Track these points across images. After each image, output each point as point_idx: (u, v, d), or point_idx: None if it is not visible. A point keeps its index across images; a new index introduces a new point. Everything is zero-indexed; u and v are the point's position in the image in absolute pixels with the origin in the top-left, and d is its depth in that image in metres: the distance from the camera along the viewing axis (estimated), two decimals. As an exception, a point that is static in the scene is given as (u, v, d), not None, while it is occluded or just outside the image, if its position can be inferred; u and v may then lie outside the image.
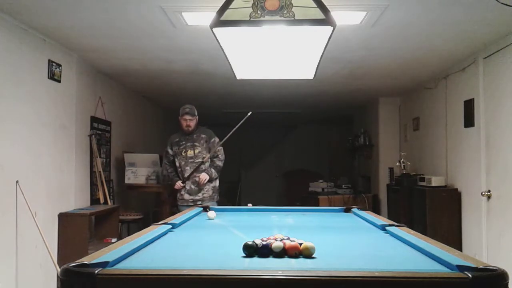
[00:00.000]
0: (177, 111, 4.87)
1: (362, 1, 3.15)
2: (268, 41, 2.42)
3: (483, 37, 4.03)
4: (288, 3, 2.07)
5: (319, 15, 2.07)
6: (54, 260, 3.93)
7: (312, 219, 3.21)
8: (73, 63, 4.55)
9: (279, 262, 1.66)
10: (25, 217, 3.64)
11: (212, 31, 2.20)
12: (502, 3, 3.01)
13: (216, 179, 4.81)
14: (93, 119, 5.15)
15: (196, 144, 4.72)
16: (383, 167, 7.14)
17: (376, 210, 6.96)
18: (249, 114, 4.51)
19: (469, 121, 4.69)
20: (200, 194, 4.73)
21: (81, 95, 4.79)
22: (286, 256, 1.73)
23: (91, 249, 4.05)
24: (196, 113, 4.71)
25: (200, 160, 4.67)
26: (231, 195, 10.37)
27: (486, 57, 4.35)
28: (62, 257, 4.16)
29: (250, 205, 4.12)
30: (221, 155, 4.76)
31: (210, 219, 3.17)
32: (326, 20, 2.07)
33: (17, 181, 3.58)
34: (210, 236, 2.48)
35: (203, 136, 4.75)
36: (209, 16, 2.41)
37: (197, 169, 4.64)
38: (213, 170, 4.66)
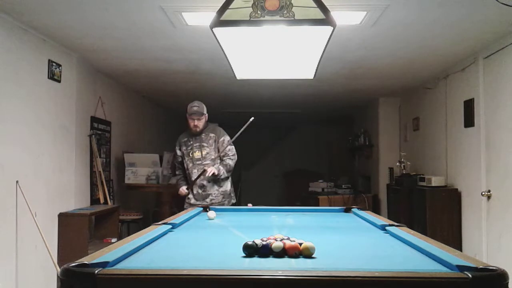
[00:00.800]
0: (177, 111, 4.86)
1: (362, 1, 3.15)
2: (268, 41, 2.42)
3: (483, 37, 4.03)
4: (288, 3, 2.07)
5: (319, 15, 2.07)
6: (54, 260, 3.93)
7: (312, 219, 3.21)
8: (73, 63, 4.55)
9: (279, 262, 1.66)
10: (25, 217, 3.64)
11: (212, 31, 2.20)
12: (502, 3, 3.01)
13: (225, 180, 4.36)
14: (93, 119, 5.15)
15: (204, 144, 4.29)
16: (383, 167, 7.14)
17: (376, 210, 6.96)
18: (251, 119, 4.18)
19: (469, 121, 4.69)
20: (208, 200, 4.28)
21: (81, 95, 4.79)
22: (286, 256, 1.73)
23: (91, 249, 4.05)
24: (205, 111, 4.28)
25: (208, 162, 4.25)
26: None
27: (486, 57, 4.35)
28: (62, 257, 4.16)
29: (250, 205, 4.12)
30: (232, 155, 4.30)
31: (210, 219, 3.17)
32: (326, 20, 2.07)
33: (17, 181, 3.58)
34: (210, 236, 2.48)
35: (212, 135, 4.32)
36: (209, 16, 2.42)
37: (203, 174, 4.20)
38: (221, 167, 4.15)
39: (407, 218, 5.45)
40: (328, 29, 2.17)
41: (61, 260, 4.12)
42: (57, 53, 4.21)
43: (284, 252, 1.73)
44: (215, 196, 4.31)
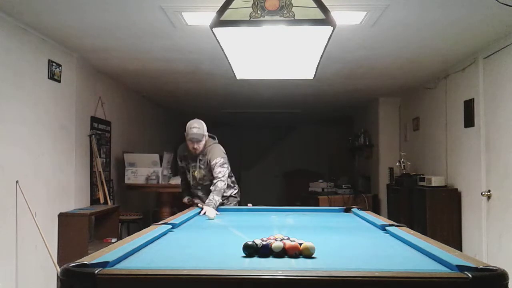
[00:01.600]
0: (177, 111, 4.84)
1: (362, 1, 3.15)
2: (268, 41, 2.42)
3: (483, 37, 4.03)
4: (288, 3, 2.07)
5: (319, 15, 2.07)
6: (54, 260, 3.93)
7: (312, 219, 3.21)
8: (73, 63, 4.55)
9: (279, 262, 1.66)
10: (25, 217, 3.64)
11: (212, 31, 2.20)
12: (502, 3, 3.01)
13: (226, 189, 4.13)
14: (93, 119, 5.15)
15: (201, 166, 4.08)
16: (383, 167, 7.14)
17: (376, 210, 6.96)
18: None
19: (469, 121, 4.69)
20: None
21: (81, 95, 4.79)
22: (286, 256, 1.73)
23: (91, 249, 4.05)
24: (205, 131, 3.95)
25: (208, 183, 4.05)
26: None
27: (486, 57, 4.35)
28: (62, 257, 4.16)
29: (250, 205, 4.12)
30: (222, 176, 3.94)
31: (210, 219, 3.17)
32: (326, 20, 2.07)
33: (17, 181, 3.58)
34: (210, 236, 2.48)
35: (206, 158, 4.03)
36: (209, 16, 2.41)
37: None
38: (215, 197, 3.77)
39: (407, 218, 5.45)
40: (328, 29, 2.17)
41: (61, 260, 4.12)
42: (57, 53, 4.21)
43: (284, 252, 1.73)
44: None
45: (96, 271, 1.41)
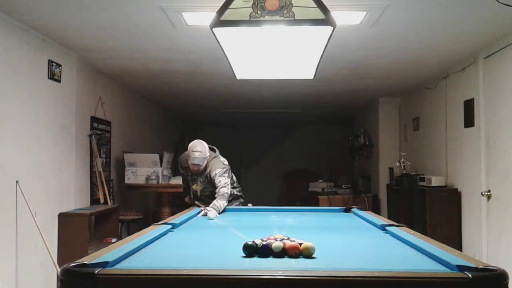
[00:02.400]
0: (177, 111, 4.82)
1: (362, 1, 3.15)
2: (268, 41, 2.42)
3: (483, 37, 4.03)
4: (288, 3, 2.07)
5: (319, 15, 2.07)
6: (54, 260, 3.93)
7: (312, 219, 3.21)
8: (73, 63, 4.55)
9: (279, 262, 1.66)
10: (25, 217, 3.64)
11: (212, 31, 2.20)
12: (502, 3, 3.01)
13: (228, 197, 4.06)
14: (93, 119, 5.15)
15: (201, 179, 4.09)
16: (383, 167, 7.14)
17: (376, 210, 6.96)
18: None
19: (469, 121, 4.69)
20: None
21: (81, 95, 4.79)
22: (286, 256, 1.73)
23: (91, 249, 4.05)
24: (206, 155, 3.90)
25: (208, 193, 4.07)
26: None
27: (486, 57, 4.35)
28: (62, 257, 4.16)
29: (250, 205, 4.12)
30: (225, 183, 3.93)
31: (210, 219, 3.17)
32: (326, 20, 2.07)
33: (17, 181, 3.58)
34: (210, 236, 2.48)
35: (206, 173, 4.02)
36: (209, 16, 2.42)
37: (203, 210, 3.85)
38: (220, 202, 3.74)
39: (407, 218, 5.45)
40: (328, 29, 2.17)
41: (61, 260, 4.12)
42: (57, 53, 4.21)
43: (284, 252, 1.73)
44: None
45: (96, 271, 1.41)
